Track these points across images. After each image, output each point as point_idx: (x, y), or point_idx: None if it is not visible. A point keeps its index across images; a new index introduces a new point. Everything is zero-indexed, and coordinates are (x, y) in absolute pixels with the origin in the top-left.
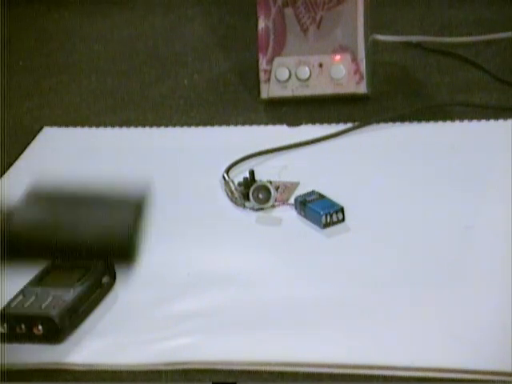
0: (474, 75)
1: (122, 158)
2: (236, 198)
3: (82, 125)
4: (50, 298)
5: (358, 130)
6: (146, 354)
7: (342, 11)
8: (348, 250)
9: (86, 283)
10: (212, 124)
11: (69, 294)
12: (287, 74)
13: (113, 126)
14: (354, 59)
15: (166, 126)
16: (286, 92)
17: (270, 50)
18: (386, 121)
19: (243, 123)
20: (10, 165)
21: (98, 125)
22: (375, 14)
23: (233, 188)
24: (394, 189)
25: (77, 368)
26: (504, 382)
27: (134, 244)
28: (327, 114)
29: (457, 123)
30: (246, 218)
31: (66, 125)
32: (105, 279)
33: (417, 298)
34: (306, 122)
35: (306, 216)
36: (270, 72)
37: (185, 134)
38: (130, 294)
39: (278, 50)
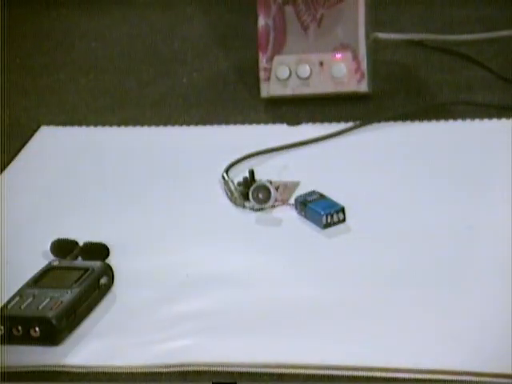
0: (476, 74)
1: (120, 158)
2: (236, 198)
3: (80, 124)
4: (47, 300)
5: (359, 129)
6: (145, 355)
7: (343, 9)
8: (349, 251)
9: (84, 284)
10: (211, 123)
11: (66, 296)
12: (287, 72)
13: (111, 125)
14: (355, 57)
15: (165, 124)
16: (287, 91)
17: (270, 48)
18: (387, 120)
19: (243, 122)
20: (6, 164)
21: (96, 124)
22: (376, 12)
23: (232, 188)
24: (395, 188)
25: (74, 370)
26: None
27: None
28: (328, 113)
29: (459, 122)
30: (245, 218)
31: (64, 124)
32: (103, 280)
33: (417, 298)
34: (307, 121)
35: (306, 216)
36: (270, 70)
37: (184, 133)
38: (128, 295)
39: (279, 49)
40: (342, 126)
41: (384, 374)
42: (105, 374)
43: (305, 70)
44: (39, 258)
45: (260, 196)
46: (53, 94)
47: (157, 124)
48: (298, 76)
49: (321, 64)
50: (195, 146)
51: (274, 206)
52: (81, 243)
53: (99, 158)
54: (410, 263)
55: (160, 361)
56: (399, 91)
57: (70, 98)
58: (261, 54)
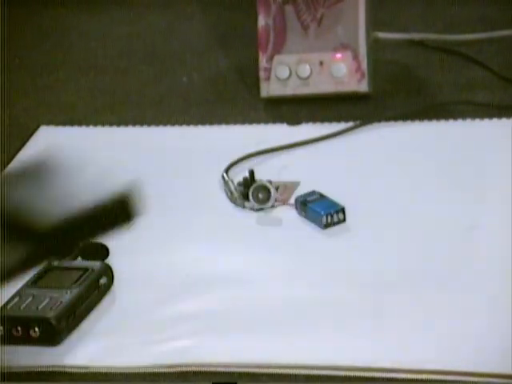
0: (476, 73)
1: (119, 158)
2: (236, 198)
3: (80, 124)
4: (46, 300)
5: (359, 129)
6: (145, 356)
7: (343, 8)
8: (349, 251)
9: (84, 284)
10: (211, 123)
11: (66, 296)
12: (287, 72)
13: (110, 124)
14: (356, 57)
15: (165, 124)
16: (287, 90)
17: (270, 47)
18: (387, 120)
19: (243, 122)
20: (6, 164)
21: (95, 124)
22: (377, 12)
23: (232, 188)
24: (396, 189)
25: (74, 370)
26: None
27: (129, 205)
28: (328, 112)
29: (459, 122)
30: (245, 218)
31: (63, 124)
32: (102, 280)
33: (418, 299)
34: (307, 121)
35: (306, 216)
36: (270, 70)
37: (184, 133)
38: (127, 295)
39: (279, 48)
40: (342, 125)
41: (384, 375)
42: (105, 374)
43: (305, 70)
44: None
45: (260, 196)
46: (52, 93)
47: (156, 124)
48: (297, 76)
49: (321, 64)
50: (195, 145)
51: (273, 206)
52: (81, 243)
53: (98, 158)
54: (410, 263)
55: (160, 361)
56: (399, 91)
57: (70, 97)
58: (261, 54)
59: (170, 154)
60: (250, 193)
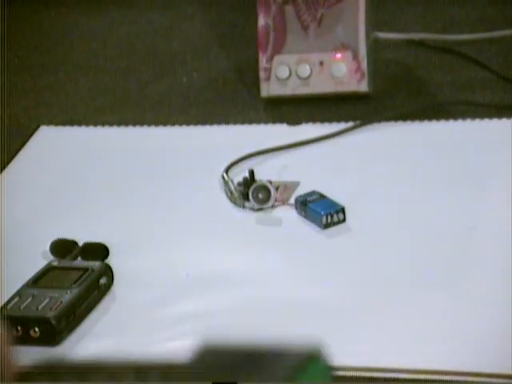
0: (476, 73)
1: (119, 158)
2: (235, 198)
3: (80, 124)
4: (46, 300)
5: (359, 129)
6: (145, 355)
7: (343, 8)
8: (349, 251)
9: (84, 284)
10: (211, 123)
11: (66, 296)
12: (287, 72)
13: (110, 125)
14: (356, 57)
15: (165, 124)
16: (287, 90)
17: (270, 47)
18: (387, 120)
19: (243, 122)
20: (6, 164)
21: (95, 124)
22: (377, 12)
23: (232, 188)
24: (396, 189)
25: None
26: None
27: None
28: (328, 112)
29: (459, 122)
30: (245, 218)
31: (63, 124)
32: (102, 280)
33: (418, 299)
34: (307, 121)
35: (306, 216)
36: (270, 70)
37: (184, 133)
38: (128, 295)
39: (278, 48)
40: (342, 125)
41: (384, 375)
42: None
43: (305, 70)
44: (39, 258)
45: (260, 196)
46: (52, 93)
47: (156, 124)
48: (297, 76)
49: (321, 64)
50: (195, 145)
51: (274, 206)
52: (80, 243)
53: (99, 157)
54: (411, 263)
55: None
56: (399, 91)
57: (70, 97)
58: (261, 54)
59: (170, 154)
60: (250, 193)
